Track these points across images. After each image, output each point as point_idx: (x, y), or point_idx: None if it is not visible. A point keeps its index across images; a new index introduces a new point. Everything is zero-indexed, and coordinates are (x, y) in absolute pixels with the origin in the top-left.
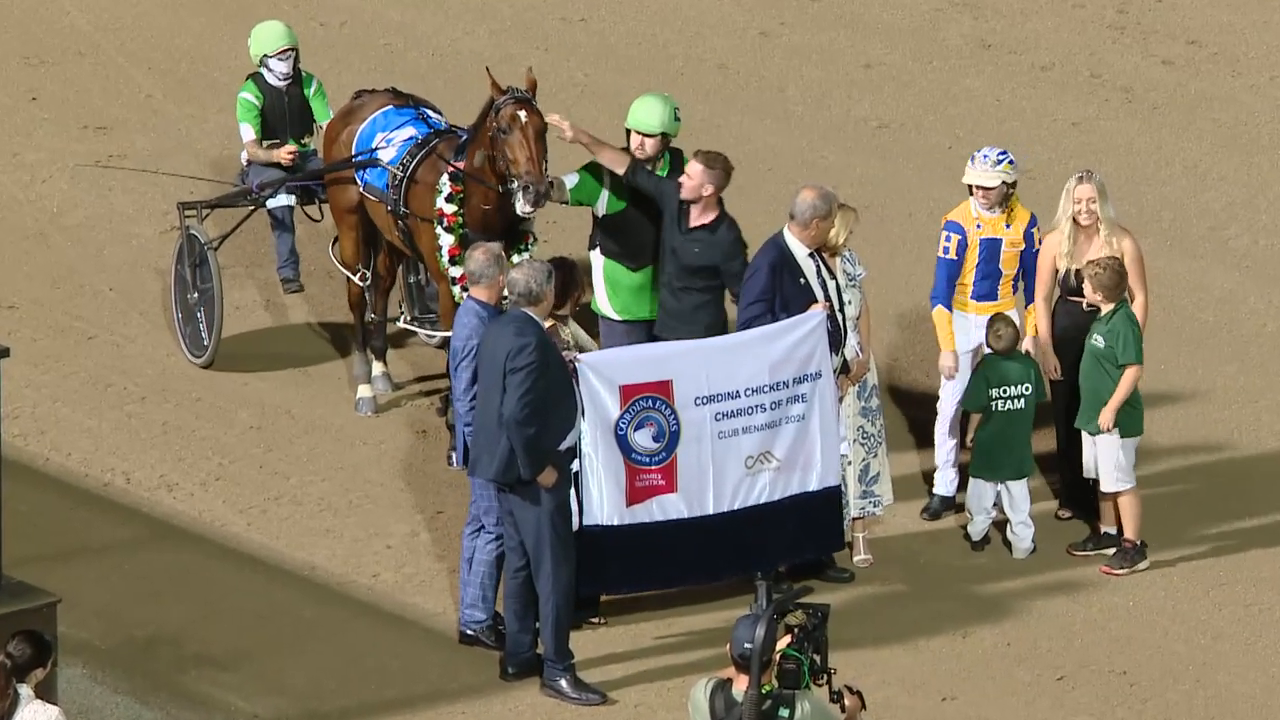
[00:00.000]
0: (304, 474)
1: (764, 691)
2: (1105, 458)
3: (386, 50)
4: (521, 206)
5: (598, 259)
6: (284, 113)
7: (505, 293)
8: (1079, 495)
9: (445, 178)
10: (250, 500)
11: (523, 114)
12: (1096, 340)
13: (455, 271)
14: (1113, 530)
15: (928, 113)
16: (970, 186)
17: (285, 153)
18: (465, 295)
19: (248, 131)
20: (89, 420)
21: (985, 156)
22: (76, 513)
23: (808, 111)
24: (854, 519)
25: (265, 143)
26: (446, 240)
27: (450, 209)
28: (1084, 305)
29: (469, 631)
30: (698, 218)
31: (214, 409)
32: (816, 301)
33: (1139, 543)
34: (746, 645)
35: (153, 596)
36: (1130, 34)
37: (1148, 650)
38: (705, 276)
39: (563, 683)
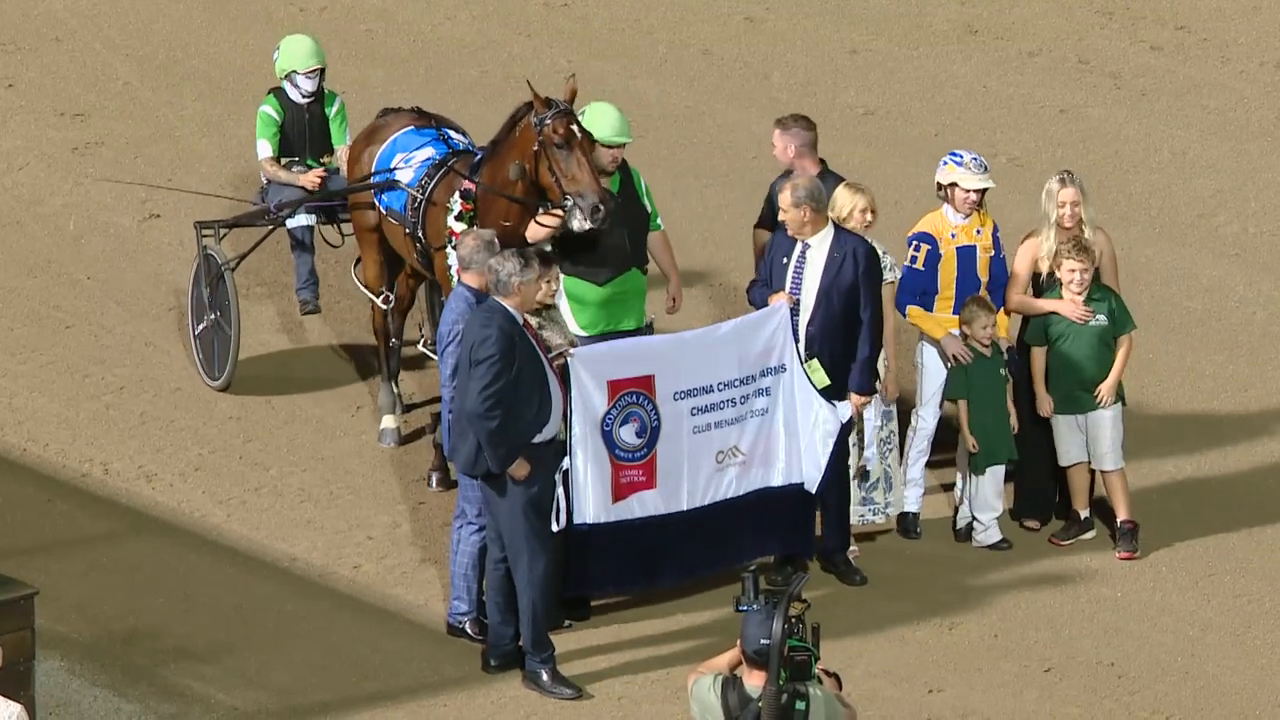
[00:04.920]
0: (284, 465)
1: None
2: (1107, 434)
3: (367, 36)
4: (579, 223)
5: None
6: (304, 130)
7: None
8: (1043, 503)
9: (456, 196)
10: (230, 491)
11: (576, 129)
12: (1100, 319)
13: None
14: (1085, 512)
15: (914, 100)
16: (948, 190)
17: (313, 177)
18: (456, 282)
19: (265, 148)
20: (66, 410)
21: (976, 159)
22: (54, 504)
23: (793, 98)
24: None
25: (284, 160)
26: (454, 259)
27: (459, 228)
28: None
29: (453, 623)
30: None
31: (193, 399)
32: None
33: (1135, 522)
34: (764, 641)
35: (131, 588)
36: (1118, 19)
37: (1136, 641)
38: None
39: (543, 675)
